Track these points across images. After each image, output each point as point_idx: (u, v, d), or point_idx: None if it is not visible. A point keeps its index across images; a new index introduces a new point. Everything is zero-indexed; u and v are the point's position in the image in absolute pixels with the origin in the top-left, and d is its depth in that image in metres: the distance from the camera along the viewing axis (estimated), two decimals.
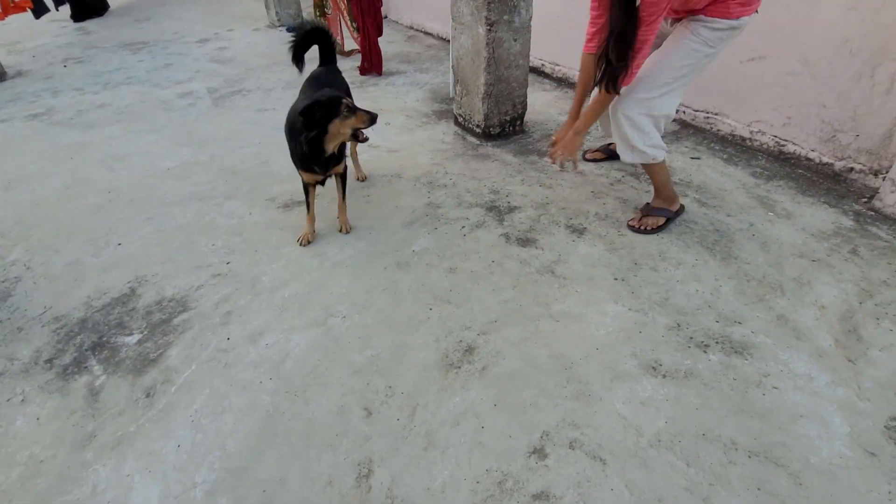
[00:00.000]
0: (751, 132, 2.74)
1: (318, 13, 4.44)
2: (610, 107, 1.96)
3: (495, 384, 1.56)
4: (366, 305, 1.87)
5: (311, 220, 2.20)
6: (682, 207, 2.24)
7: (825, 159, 2.49)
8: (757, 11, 1.76)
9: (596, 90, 1.89)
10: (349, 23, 4.03)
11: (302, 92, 2.23)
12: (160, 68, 4.47)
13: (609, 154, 2.69)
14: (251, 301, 1.91)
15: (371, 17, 3.76)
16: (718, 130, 2.90)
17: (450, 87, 3.63)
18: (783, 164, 2.62)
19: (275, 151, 2.97)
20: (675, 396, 1.51)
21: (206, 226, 2.34)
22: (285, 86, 3.87)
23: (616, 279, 1.94)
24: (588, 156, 2.73)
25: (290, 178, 2.68)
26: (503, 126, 2.95)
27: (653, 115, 1.92)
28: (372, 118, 1.89)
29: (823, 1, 2.26)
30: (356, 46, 4.38)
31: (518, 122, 3.01)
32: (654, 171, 2.11)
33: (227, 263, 2.10)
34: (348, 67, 4.29)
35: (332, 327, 1.78)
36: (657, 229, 2.16)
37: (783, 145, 2.63)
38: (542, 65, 3.93)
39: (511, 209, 2.37)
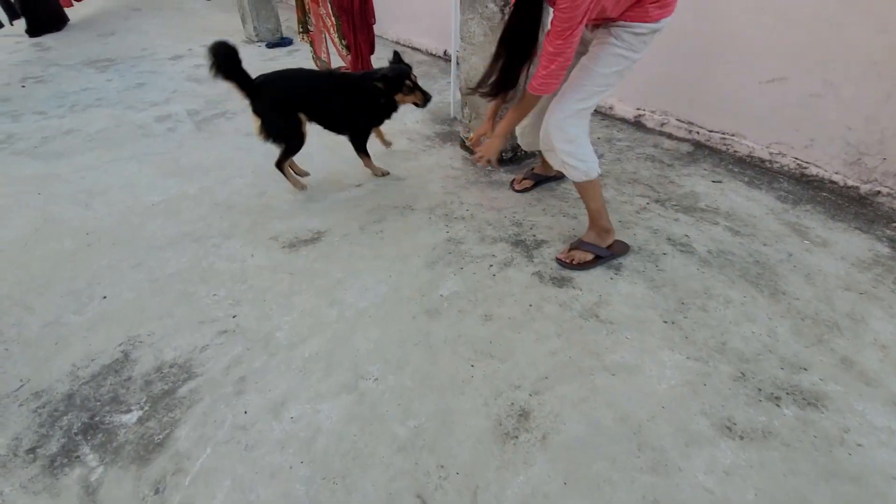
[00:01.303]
0: (770, 154, 2.67)
1: (300, 29, 4.22)
2: (544, 121, 1.90)
3: (561, 456, 1.39)
4: (400, 363, 1.67)
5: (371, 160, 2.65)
6: (620, 246, 2.10)
7: (850, 182, 2.43)
8: (672, 13, 1.69)
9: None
10: (338, 41, 3.83)
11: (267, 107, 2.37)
12: (132, 88, 4.15)
13: (536, 179, 2.59)
14: (267, 363, 1.69)
15: (364, 35, 3.57)
16: (736, 152, 2.83)
17: (451, 108, 3.48)
18: (806, 187, 2.56)
19: (272, 182, 2.73)
20: (759, 462, 1.37)
21: (204, 272, 2.09)
22: None
23: (666, 322, 1.81)
24: (517, 186, 2.58)
25: (293, 213, 2.47)
26: (515, 150, 2.81)
27: (582, 124, 1.85)
28: (426, 98, 2.38)
29: (850, 24, 2.21)
30: (343, 64, 4.17)
31: None
32: (587, 194, 1.98)
33: (234, 317, 1.87)
34: None
35: (366, 392, 1.58)
36: (585, 265, 2.05)
37: (805, 168, 2.57)
38: None
39: (538, 244, 2.21)
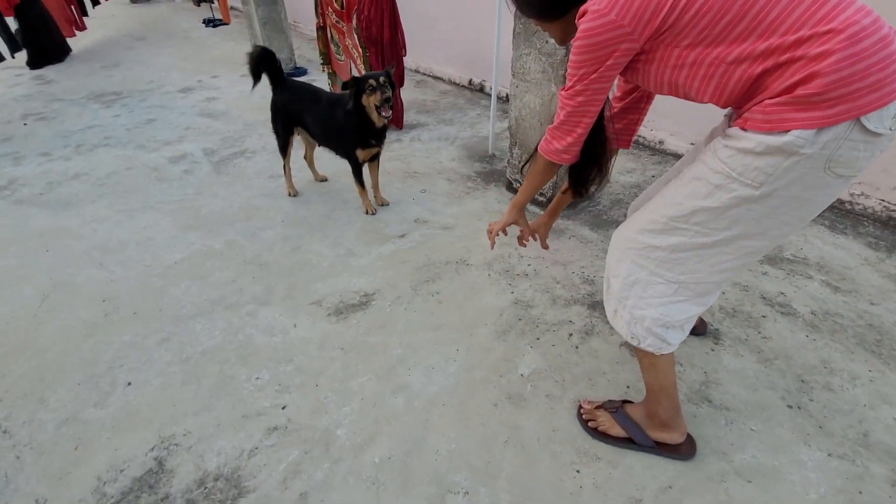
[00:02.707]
0: (852, 195, 2.46)
1: (323, 60, 4.02)
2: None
3: None
4: (490, 471, 1.40)
5: (366, 193, 2.65)
6: (681, 449, 1.40)
7: None
8: (840, 121, 0.86)
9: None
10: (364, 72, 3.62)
11: (277, 114, 2.69)
12: (142, 125, 3.90)
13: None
14: (331, 472, 1.41)
15: (394, 69, 3.36)
16: None
17: (489, 144, 3.26)
18: (895, 231, 2.34)
19: (306, 233, 2.48)
20: None
21: (241, 349, 1.82)
22: (297, 143, 3.38)
23: (791, 407, 1.55)
24: None
25: (333, 270, 2.21)
26: None
27: (645, 272, 1.18)
28: (385, 99, 2.26)
29: None
30: None
31: None
32: (642, 363, 1.33)
33: (283, 408, 1.60)
34: None
35: None
36: (605, 438, 1.46)
37: (893, 210, 2.35)
38: None
39: None
